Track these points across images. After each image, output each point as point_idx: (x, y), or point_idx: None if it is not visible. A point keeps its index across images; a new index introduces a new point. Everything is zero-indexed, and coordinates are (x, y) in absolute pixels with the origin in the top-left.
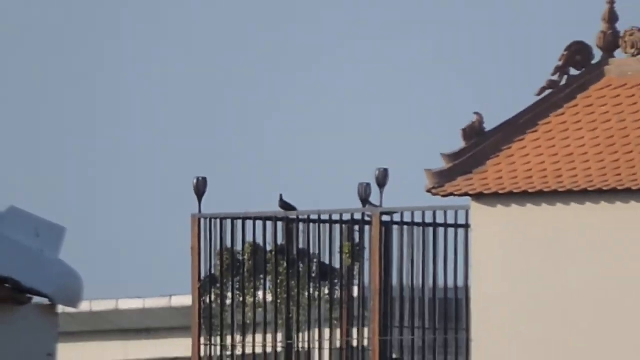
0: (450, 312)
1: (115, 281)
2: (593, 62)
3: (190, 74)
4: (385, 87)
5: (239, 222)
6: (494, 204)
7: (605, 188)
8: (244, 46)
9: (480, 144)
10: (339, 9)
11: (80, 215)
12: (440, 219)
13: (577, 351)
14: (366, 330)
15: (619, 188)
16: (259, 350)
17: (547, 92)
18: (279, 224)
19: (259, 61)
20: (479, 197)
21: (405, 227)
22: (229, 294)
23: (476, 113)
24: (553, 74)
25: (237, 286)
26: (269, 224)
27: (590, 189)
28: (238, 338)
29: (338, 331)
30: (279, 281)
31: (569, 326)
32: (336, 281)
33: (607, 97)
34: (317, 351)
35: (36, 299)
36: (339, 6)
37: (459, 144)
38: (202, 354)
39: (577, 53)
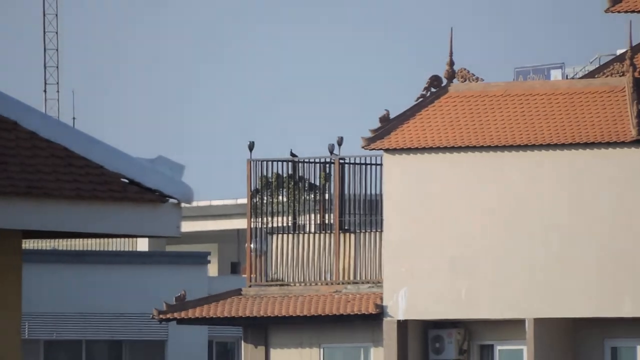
0: (373, 206)
1: (210, 189)
2: (442, 85)
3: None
4: (342, 92)
5: (270, 162)
6: (394, 154)
7: (448, 146)
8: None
9: (388, 124)
10: None
11: (195, 158)
12: (368, 161)
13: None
14: (332, 215)
15: (455, 146)
16: (280, 224)
17: (420, 99)
18: (290, 164)
19: (263, 53)
20: (387, 150)
21: (352, 165)
22: (265, 198)
23: (386, 109)
24: (423, 90)
25: (269, 193)
26: (284, 164)
27: (441, 146)
28: (269, 219)
29: (319, 215)
30: (289, 191)
31: (445, 210)
32: (317, 191)
33: (449, 103)
34: (307, 225)
35: (170, 200)
36: None
37: (377, 124)
38: (252, 226)
39: (435, 80)
